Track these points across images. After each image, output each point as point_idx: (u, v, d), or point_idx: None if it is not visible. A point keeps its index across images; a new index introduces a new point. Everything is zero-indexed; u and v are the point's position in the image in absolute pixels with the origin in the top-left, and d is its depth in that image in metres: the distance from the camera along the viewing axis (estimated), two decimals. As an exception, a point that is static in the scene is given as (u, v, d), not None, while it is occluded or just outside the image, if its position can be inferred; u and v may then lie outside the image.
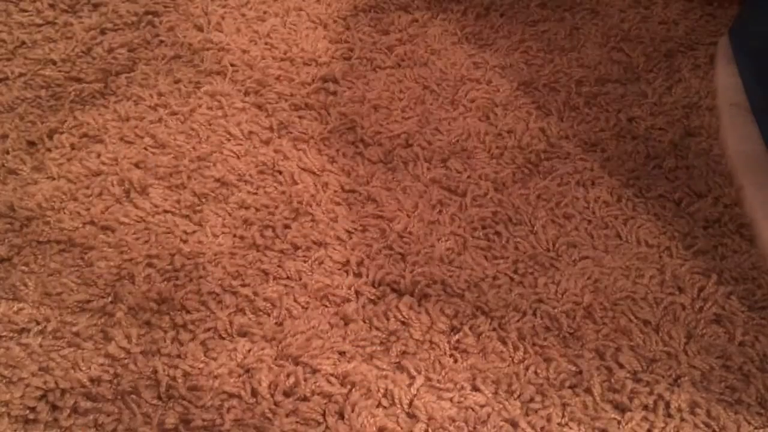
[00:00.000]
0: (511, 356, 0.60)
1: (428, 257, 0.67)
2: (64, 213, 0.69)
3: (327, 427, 0.55)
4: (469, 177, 0.76)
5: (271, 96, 0.83)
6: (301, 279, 0.65)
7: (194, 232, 0.69)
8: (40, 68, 0.85)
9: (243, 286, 0.64)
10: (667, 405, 0.57)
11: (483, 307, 0.64)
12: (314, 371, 0.58)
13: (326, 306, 0.63)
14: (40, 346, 0.59)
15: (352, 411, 0.56)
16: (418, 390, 0.58)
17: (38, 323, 0.60)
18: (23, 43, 0.88)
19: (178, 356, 0.59)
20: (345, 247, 0.68)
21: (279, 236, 0.69)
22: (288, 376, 0.58)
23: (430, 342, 0.61)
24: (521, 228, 0.71)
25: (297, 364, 0.59)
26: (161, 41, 0.89)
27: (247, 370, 0.58)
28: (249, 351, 0.59)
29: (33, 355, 0.58)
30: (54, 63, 0.85)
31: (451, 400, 0.57)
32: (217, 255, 0.67)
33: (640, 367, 0.60)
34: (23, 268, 0.65)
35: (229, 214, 0.70)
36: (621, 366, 0.60)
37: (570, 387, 0.59)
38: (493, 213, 0.72)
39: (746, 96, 0.83)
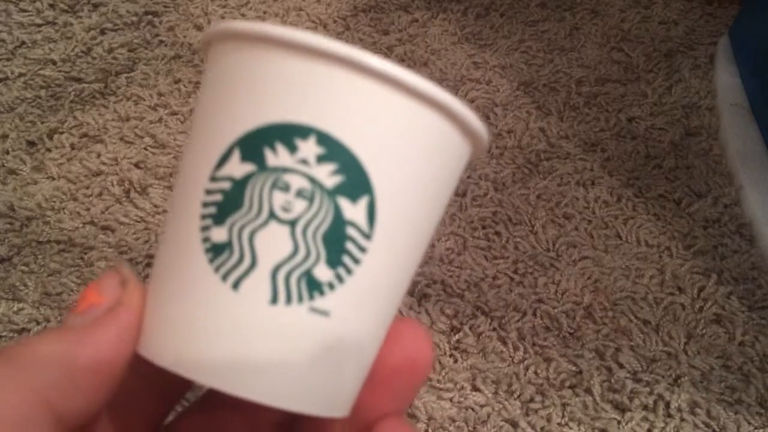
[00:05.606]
0: (511, 356, 0.60)
1: (428, 257, 0.67)
2: (64, 213, 0.69)
3: (327, 427, 0.55)
4: (469, 177, 0.75)
5: (271, 96, 0.83)
6: (301, 279, 0.65)
7: (194, 232, 0.68)
8: (40, 68, 0.85)
9: (243, 286, 0.64)
10: (667, 405, 0.57)
11: (483, 307, 0.64)
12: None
13: (326, 306, 0.63)
14: (40, 346, 0.59)
15: (352, 411, 0.56)
16: (418, 390, 0.58)
17: (38, 323, 0.60)
18: (23, 43, 0.88)
19: (178, 356, 0.59)
20: (345, 247, 0.68)
21: (279, 236, 0.69)
22: (288, 376, 0.58)
23: (430, 342, 0.61)
24: (521, 228, 0.71)
25: (297, 364, 0.59)
26: (161, 41, 0.89)
27: (247, 370, 0.58)
28: (249, 351, 0.59)
29: (33, 355, 0.58)
30: (54, 63, 0.85)
31: (451, 400, 0.57)
32: (217, 255, 0.66)
33: (640, 367, 0.60)
34: (23, 268, 0.65)
35: (229, 214, 0.70)
36: (621, 366, 0.60)
37: (570, 387, 0.59)
38: (493, 213, 0.72)
39: (746, 96, 0.83)
